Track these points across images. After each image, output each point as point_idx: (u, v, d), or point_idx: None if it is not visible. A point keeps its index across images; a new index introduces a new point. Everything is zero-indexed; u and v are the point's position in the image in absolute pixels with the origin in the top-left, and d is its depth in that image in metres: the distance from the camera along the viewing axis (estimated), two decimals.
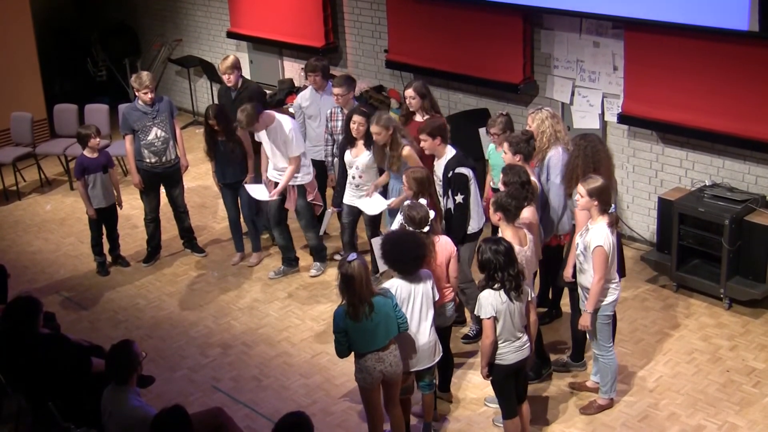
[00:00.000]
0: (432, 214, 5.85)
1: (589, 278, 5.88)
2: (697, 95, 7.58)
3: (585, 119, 8.53)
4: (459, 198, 6.59)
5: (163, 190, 8.67)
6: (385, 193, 7.53)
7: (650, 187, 8.31)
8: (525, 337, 5.56)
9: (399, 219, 6.15)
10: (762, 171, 7.55)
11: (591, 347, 6.27)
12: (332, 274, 8.25)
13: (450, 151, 6.76)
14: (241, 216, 8.58)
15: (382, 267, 6.38)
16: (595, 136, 6.61)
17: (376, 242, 6.73)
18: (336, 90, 7.90)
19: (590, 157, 6.28)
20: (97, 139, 8.33)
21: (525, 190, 5.99)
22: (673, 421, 6.16)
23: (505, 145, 6.45)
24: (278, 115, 7.74)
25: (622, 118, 8.14)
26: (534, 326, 5.68)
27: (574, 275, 6.14)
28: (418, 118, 7.62)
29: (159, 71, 12.92)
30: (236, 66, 8.55)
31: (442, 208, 6.68)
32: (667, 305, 7.58)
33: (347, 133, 7.54)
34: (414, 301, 5.61)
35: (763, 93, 7.19)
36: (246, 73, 10.92)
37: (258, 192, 7.99)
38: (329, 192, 8.34)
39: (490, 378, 5.62)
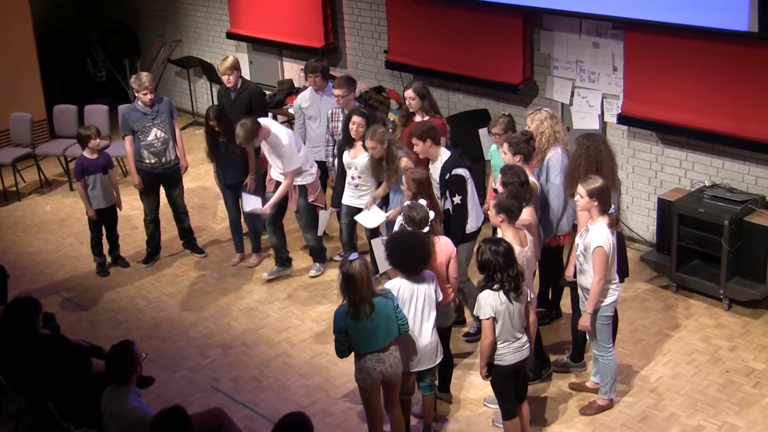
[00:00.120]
0: (432, 214, 5.86)
1: (589, 279, 5.88)
2: (697, 96, 7.58)
3: (584, 120, 8.53)
4: (457, 199, 6.60)
5: (162, 190, 8.67)
6: (386, 204, 7.51)
7: (650, 188, 8.31)
8: (524, 338, 5.56)
9: (399, 220, 6.16)
10: (761, 171, 7.55)
11: (591, 348, 6.27)
12: (332, 274, 8.25)
13: (445, 153, 6.78)
14: (242, 217, 8.58)
15: (382, 268, 6.38)
16: (599, 135, 6.62)
17: (376, 243, 6.74)
18: (337, 91, 7.90)
19: (593, 156, 6.29)
20: (97, 140, 8.33)
21: (524, 190, 6.00)
22: (673, 422, 6.16)
23: (505, 145, 6.45)
24: (274, 129, 7.65)
25: (622, 119, 8.14)
26: (533, 327, 5.68)
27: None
28: (418, 118, 7.62)
29: (159, 72, 12.93)
30: (236, 67, 8.54)
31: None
32: (666, 306, 7.58)
33: (346, 133, 7.54)
34: (416, 301, 5.61)
35: (762, 93, 7.19)
36: (246, 73, 10.93)
37: (252, 204, 7.96)
38: (328, 192, 8.34)
39: (490, 378, 5.63)
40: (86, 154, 8.29)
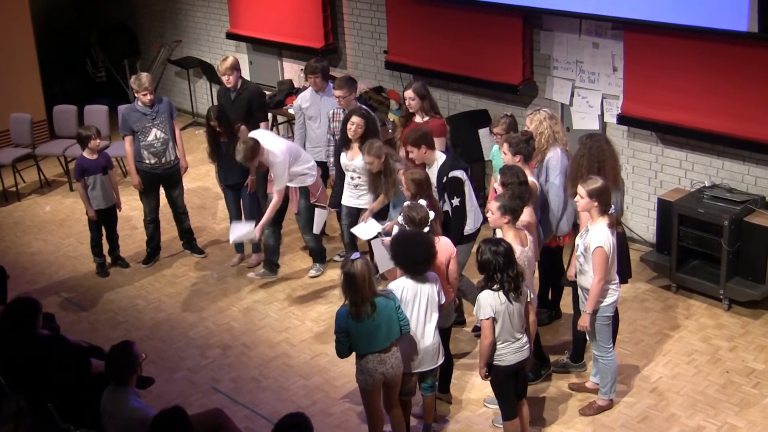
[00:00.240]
0: (432, 214, 5.85)
1: (589, 279, 5.88)
2: (697, 96, 7.58)
3: (584, 120, 8.53)
4: (456, 201, 6.61)
5: (162, 191, 8.67)
6: (385, 215, 7.47)
7: (650, 188, 8.31)
8: (524, 338, 5.55)
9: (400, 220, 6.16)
10: (761, 172, 7.55)
11: (591, 348, 6.27)
12: (331, 275, 8.26)
13: (441, 157, 6.80)
14: (242, 217, 8.57)
15: (382, 268, 6.38)
16: (602, 136, 6.62)
17: (376, 244, 6.74)
18: (338, 92, 7.89)
19: (595, 156, 6.29)
20: (97, 141, 8.33)
21: (524, 190, 6.01)
22: (673, 422, 6.16)
23: (505, 145, 6.45)
24: (269, 145, 7.56)
25: (622, 119, 8.14)
26: (533, 327, 5.68)
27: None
28: (418, 119, 7.62)
29: (158, 72, 12.93)
30: (235, 67, 8.54)
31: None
32: (666, 306, 7.58)
33: (343, 134, 7.53)
34: (419, 302, 5.61)
35: (762, 94, 7.19)
36: (245, 74, 10.93)
37: (238, 231, 7.85)
38: (328, 192, 8.33)
39: (489, 379, 5.63)
40: (86, 154, 8.29)
